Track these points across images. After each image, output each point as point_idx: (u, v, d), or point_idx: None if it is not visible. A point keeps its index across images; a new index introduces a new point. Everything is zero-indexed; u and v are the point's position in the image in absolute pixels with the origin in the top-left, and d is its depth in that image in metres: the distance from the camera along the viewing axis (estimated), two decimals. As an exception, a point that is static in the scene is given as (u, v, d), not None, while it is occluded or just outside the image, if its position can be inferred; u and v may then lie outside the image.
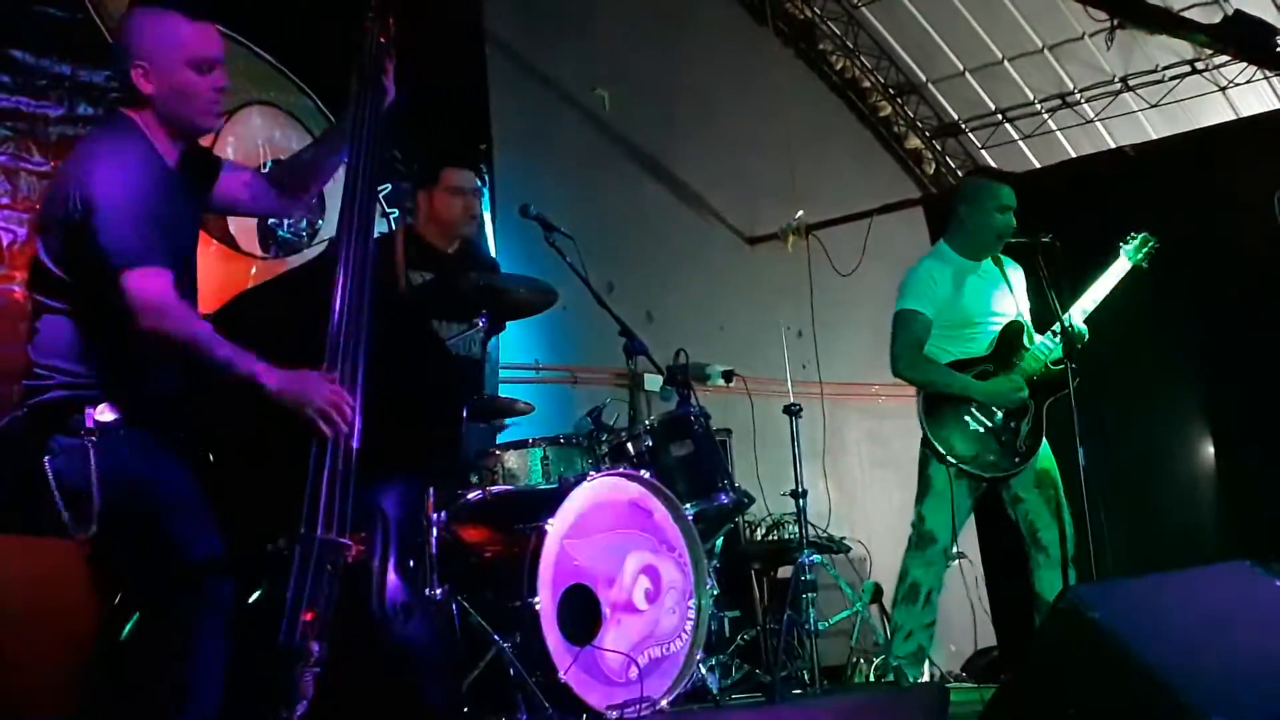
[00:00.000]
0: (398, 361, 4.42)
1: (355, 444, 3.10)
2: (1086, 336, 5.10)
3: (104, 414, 3.00)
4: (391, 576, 3.30)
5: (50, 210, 3.10)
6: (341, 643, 3.04)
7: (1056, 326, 5.07)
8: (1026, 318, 5.29)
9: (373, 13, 3.49)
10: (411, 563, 4.06)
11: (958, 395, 5.10)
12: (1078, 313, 5.13)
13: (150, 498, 3.02)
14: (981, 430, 5.08)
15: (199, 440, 3.21)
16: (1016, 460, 5.08)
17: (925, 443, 5.16)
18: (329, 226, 6.03)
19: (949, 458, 5.07)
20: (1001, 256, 5.32)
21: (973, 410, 5.09)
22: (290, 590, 2.95)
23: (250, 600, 3.06)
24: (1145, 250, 5.33)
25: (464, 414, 4.09)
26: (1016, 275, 5.36)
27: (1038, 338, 5.19)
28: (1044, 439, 5.15)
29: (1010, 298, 5.27)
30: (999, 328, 5.20)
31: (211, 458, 3.22)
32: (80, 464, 2.96)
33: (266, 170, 5.58)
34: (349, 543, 3.03)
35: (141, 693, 2.99)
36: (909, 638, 5.19)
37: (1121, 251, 5.32)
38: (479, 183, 5.20)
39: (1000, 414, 5.09)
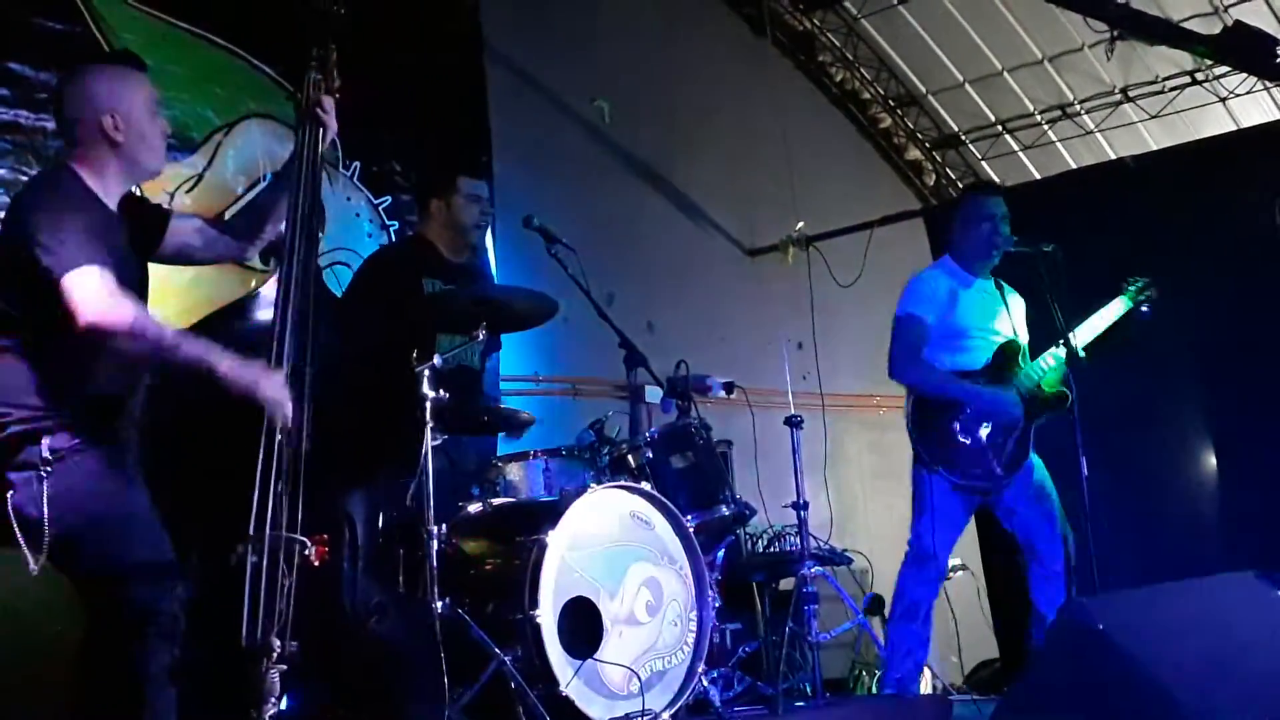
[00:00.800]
0: (371, 367, 4.44)
1: (306, 445, 3.18)
2: (1086, 363, 5.07)
3: (59, 441, 3.10)
4: (361, 577, 3.33)
5: (3, 259, 3.22)
6: (317, 643, 3.07)
7: (1054, 350, 5.07)
8: (1024, 342, 5.28)
9: (314, 62, 3.62)
10: (399, 567, 4.09)
11: (953, 401, 5.08)
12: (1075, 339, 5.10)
13: (97, 520, 3.13)
14: (969, 443, 5.06)
15: (155, 453, 3.28)
16: (1000, 475, 5.06)
17: (915, 457, 5.16)
18: (331, 239, 6.04)
19: (935, 466, 5.07)
20: (1004, 284, 5.32)
21: (961, 422, 5.08)
22: (246, 590, 3.01)
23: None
24: (1145, 295, 5.35)
25: (424, 419, 4.09)
26: (1016, 303, 5.35)
27: (1039, 356, 5.18)
28: (1032, 454, 5.12)
29: (1008, 320, 5.26)
30: (996, 343, 5.19)
31: (172, 470, 3.28)
32: (35, 494, 3.07)
33: (249, 197, 5.65)
34: (302, 539, 3.08)
35: (101, 702, 3.10)
36: (908, 655, 5.18)
37: (1122, 291, 5.35)
38: (489, 192, 5.25)
39: (988, 428, 5.07)
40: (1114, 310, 5.32)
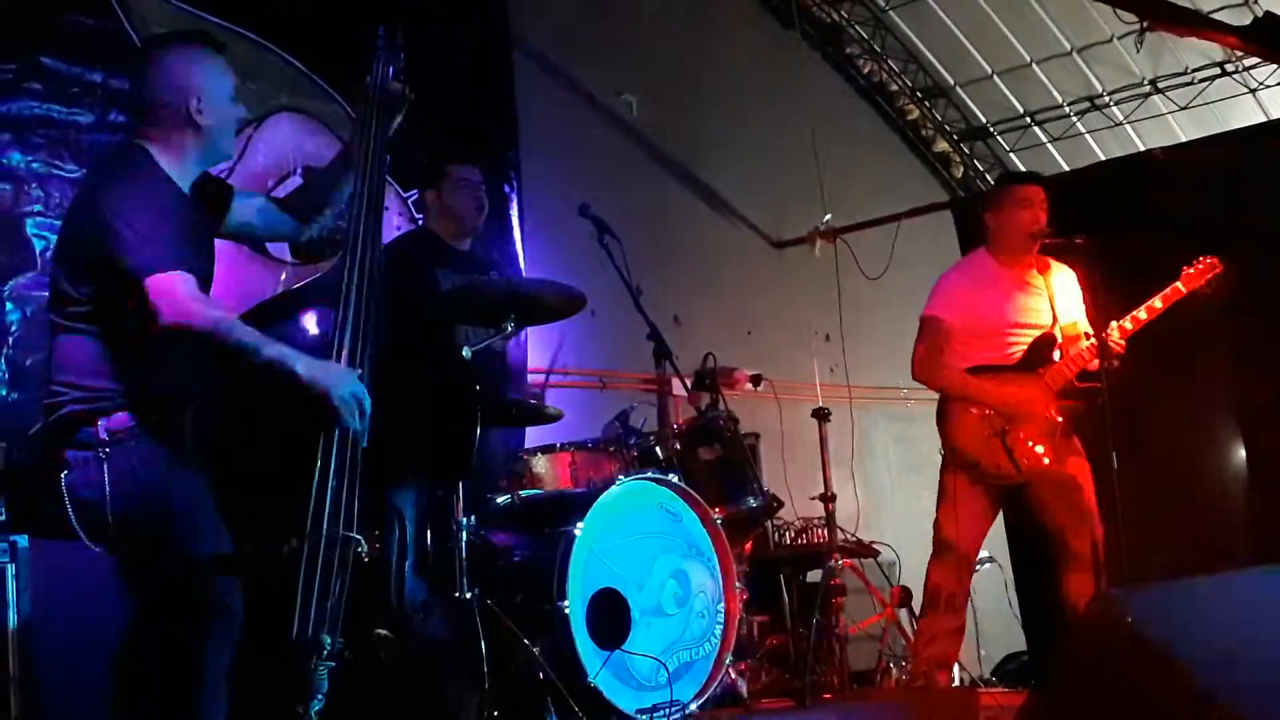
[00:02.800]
0: (416, 362, 4.46)
1: (364, 443, 3.14)
2: (1122, 347, 5.02)
3: (116, 422, 3.07)
4: (410, 575, 3.33)
5: (68, 240, 3.22)
6: (363, 640, 3.07)
7: (1088, 343, 5.05)
8: (1077, 321, 5.24)
9: (380, 40, 3.58)
10: (432, 562, 4.11)
11: (971, 400, 5.09)
12: (1116, 328, 5.05)
13: (160, 508, 3.08)
14: (992, 435, 5.06)
15: (213, 446, 3.26)
16: (1021, 470, 5.05)
17: (942, 444, 5.19)
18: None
19: (959, 461, 5.10)
20: (1052, 263, 5.28)
21: (985, 416, 5.08)
22: (300, 586, 2.98)
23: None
24: (1208, 277, 5.22)
25: (478, 416, 4.10)
26: (1065, 280, 5.30)
27: (1071, 348, 5.14)
28: (1073, 444, 5.12)
29: (1048, 308, 5.21)
30: (1031, 336, 5.17)
31: (226, 460, 3.26)
32: (93, 476, 3.05)
33: (297, 180, 5.65)
34: (358, 538, 3.07)
35: (152, 703, 3.05)
36: (931, 642, 5.18)
37: (1182, 275, 5.22)
38: (481, 176, 5.22)
39: (1010, 424, 5.05)
40: (1173, 295, 5.21)
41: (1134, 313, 5.09)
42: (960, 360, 5.18)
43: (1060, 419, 5.06)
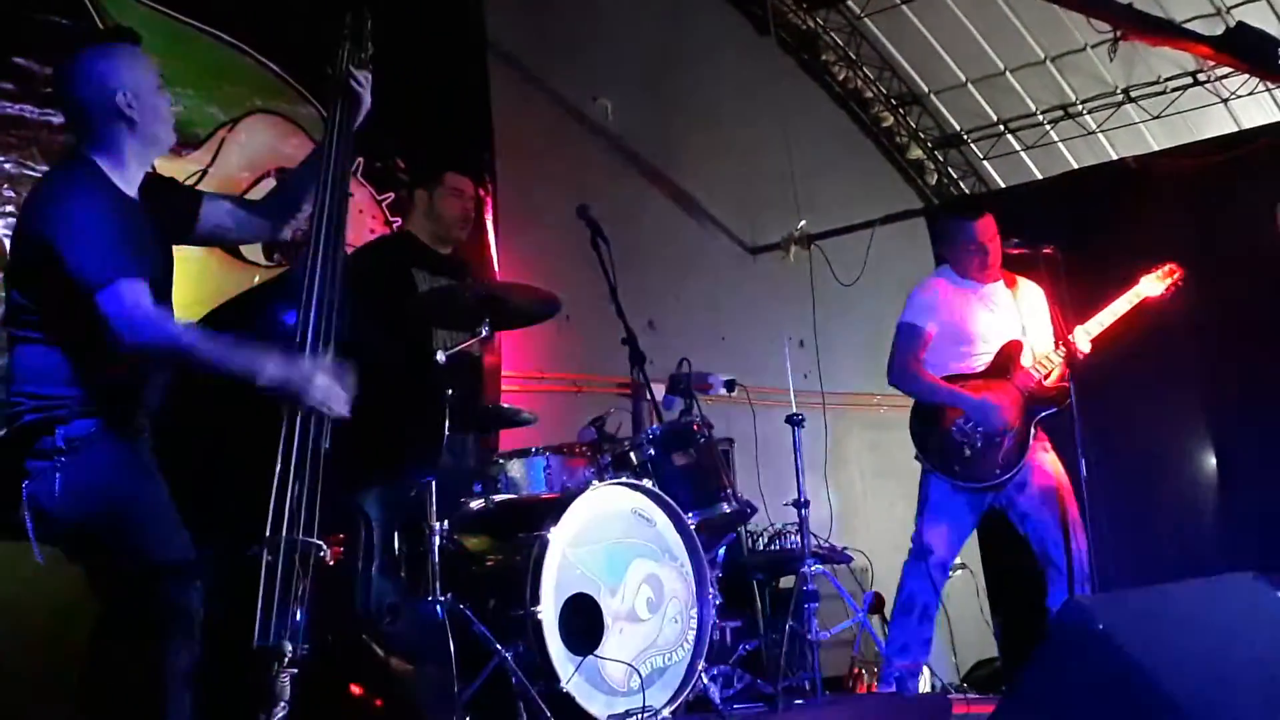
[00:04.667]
0: (386, 364, 4.45)
1: (325, 445, 3.13)
2: (1085, 353, 5.09)
3: (75, 430, 3.06)
4: (377, 578, 3.31)
5: (17, 253, 3.20)
6: (328, 644, 3.05)
7: (1055, 351, 5.10)
8: (1040, 332, 5.29)
9: (346, 30, 3.57)
10: (401, 565, 4.09)
11: (945, 405, 5.13)
12: (1083, 333, 5.11)
13: (117, 514, 3.06)
14: (965, 445, 5.10)
15: (174, 448, 3.24)
16: (999, 474, 5.09)
17: (918, 451, 5.23)
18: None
19: (934, 467, 5.14)
20: (1019, 278, 5.37)
21: (957, 426, 5.11)
22: (260, 591, 2.97)
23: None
24: (1167, 282, 5.32)
25: (445, 418, 4.10)
26: (1030, 294, 5.37)
27: (1039, 354, 5.19)
28: (1046, 455, 5.14)
29: (1016, 318, 5.29)
30: (1000, 346, 5.22)
31: (186, 465, 3.24)
32: (49, 486, 3.04)
33: (272, 183, 5.62)
34: (320, 543, 3.05)
35: (116, 707, 3.03)
36: (904, 650, 5.21)
37: (1141, 280, 5.31)
38: (474, 190, 5.24)
39: (983, 430, 5.09)
40: (1132, 298, 5.29)
41: (1097, 317, 5.17)
42: (933, 369, 5.23)
43: (1034, 425, 5.10)
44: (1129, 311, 5.28)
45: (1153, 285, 5.33)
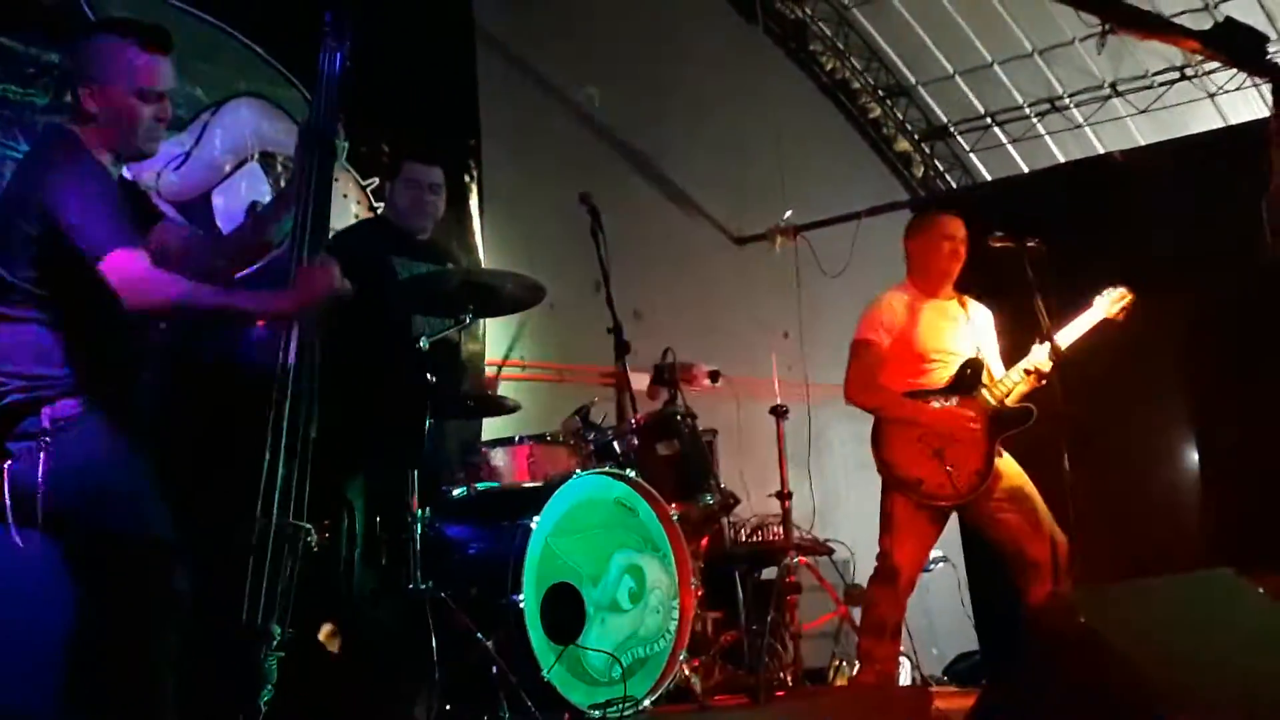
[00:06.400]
0: (370, 351, 4.43)
1: (313, 433, 3.15)
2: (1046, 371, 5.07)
3: (60, 410, 3.04)
4: (359, 564, 3.31)
5: (4, 229, 3.15)
6: (312, 627, 3.05)
7: (1023, 363, 5.07)
8: (991, 355, 5.28)
9: (326, 28, 3.61)
10: (384, 551, 4.08)
11: (909, 422, 5.09)
12: (1043, 352, 5.08)
13: (101, 494, 3.05)
14: (930, 457, 5.05)
15: (160, 428, 3.23)
16: (963, 493, 5.03)
17: (879, 469, 5.16)
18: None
19: (899, 484, 5.08)
20: (968, 299, 5.34)
21: (919, 442, 5.07)
22: (249, 574, 2.96)
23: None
24: (1120, 305, 5.28)
25: (429, 405, 4.08)
26: (982, 317, 5.37)
27: (1002, 372, 5.17)
28: (1003, 461, 5.10)
29: (970, 338, 5.27)
30: (957, 362, 5.19)
31: (176, 446, 3.24)
32: (31, 467, 3.01)
33: (254, 166, 5.61)
34: (308, 527, 3.05)
35: (102, 688, 3.00)
36: (873, 664, 5.16)
37: (1095, 301, 5.28)
38: (440, 177, 5.15)
39: (947, 446, 5.03)
40: (1089, 319, 5.26)
41: (1055, 338, 5.08)
42: (891, 385, 5.19)
43: (994, 439, 5.06)
44: (1085, 331, 5.23)
45: (1107, 306, 5.28)
